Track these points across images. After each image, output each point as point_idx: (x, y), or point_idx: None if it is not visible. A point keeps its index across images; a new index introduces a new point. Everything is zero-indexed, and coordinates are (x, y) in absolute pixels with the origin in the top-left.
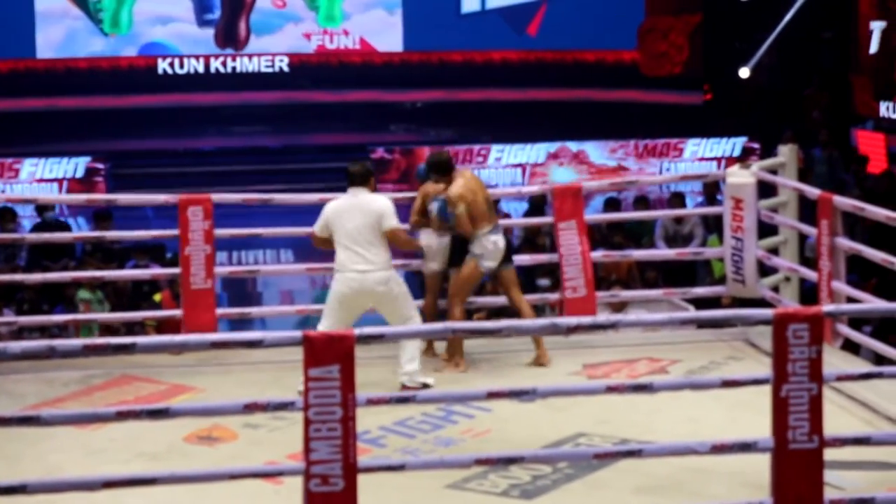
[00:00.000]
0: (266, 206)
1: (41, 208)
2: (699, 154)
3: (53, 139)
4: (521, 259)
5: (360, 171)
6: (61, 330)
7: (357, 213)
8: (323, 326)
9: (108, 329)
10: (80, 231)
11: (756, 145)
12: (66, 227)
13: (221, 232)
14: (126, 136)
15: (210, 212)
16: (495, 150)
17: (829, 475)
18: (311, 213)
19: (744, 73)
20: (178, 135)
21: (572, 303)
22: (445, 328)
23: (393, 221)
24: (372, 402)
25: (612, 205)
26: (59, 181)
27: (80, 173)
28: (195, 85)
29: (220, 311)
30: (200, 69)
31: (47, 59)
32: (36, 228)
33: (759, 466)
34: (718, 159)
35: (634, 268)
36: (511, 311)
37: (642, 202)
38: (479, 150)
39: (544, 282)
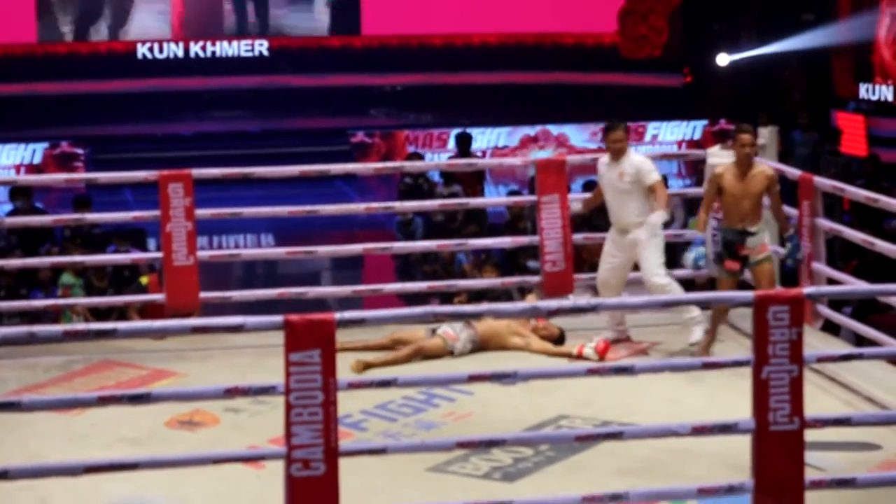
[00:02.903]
0: (246, 188)
1: (13, 195)
2: (660, 138)
3: (32, 124)
4: (503, 241)
5: None
6: (35, 317)
7: None
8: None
9: (94, 314)
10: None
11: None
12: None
13: (202, 212)
14: (106, 122)
15: (191, 188)
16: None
17: (809, 456)
18: (290, 198)
19: (723, 60)
20: (158, 120)
21: (551, 277)
22: (426, 312)
23: None
24: (353, 385)
25: (591, 187)
26: (17, 167)
27: (37, 159)
28: (175, 70)
29: (202, 294)
30: (180, 54)
31: (25, 43)
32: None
33: (740, 448)
34: (679, 142)
35: None
36: (492, 295)
37: None
38: (438, 134)
39: (534, 264)
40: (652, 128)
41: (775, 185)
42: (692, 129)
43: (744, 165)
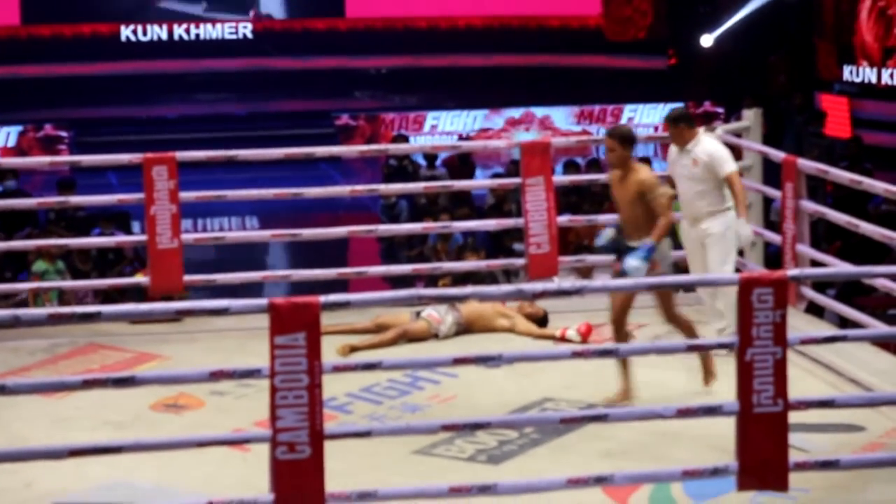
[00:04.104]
0: (230, 171)
1: (2, 175)
2: (637, 120)
3: (16, 107)
4: (488, 224)
5: None
6: (19, 301)
7: None
8: (731, 269)
9: (76, 298)
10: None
11: (720, 109)
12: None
13: (187, 195)
14: (90, 104)
15: (175, 171)
16: (431, 117)
17: (793, 438)
18: (275, 181)
19: (706, 41)
20: (143, 102)
21: (535, 259)
22: (411, 294)
23: None
24: (338, 368)
25: (572, 168)
26: None
27: (11, 142)
28: (159, 52)
29: (186, 277)
30: (164, 36)
31: (9, 26)
32: None
33: (725, 430)
34: (656, 126)
35: None
36: (477, 277)
37: (595, 165)
38: (414, 117)
39: (520, 246)
40: (629, 110)
41: (650, 191)
42: (668, 111)
43: (616, 169)
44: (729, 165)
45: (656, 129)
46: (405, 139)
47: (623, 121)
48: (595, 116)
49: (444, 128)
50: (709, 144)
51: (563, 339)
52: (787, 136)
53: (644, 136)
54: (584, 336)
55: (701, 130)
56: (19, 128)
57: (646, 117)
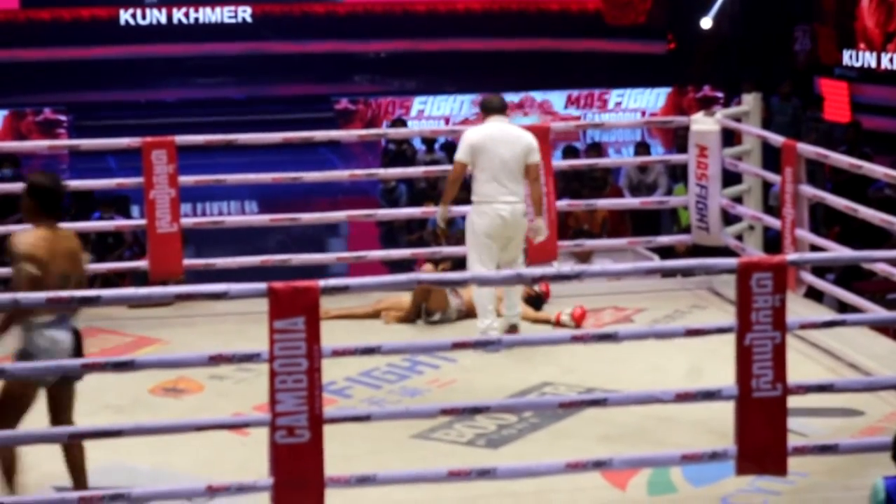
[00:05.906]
0: (229, 155)
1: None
2: (624, 105)
3: (15, 91)
4: None
5: (501, 101)
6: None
7: (506, 145)
8: (477, 262)
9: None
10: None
11: (720, 94)
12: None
13: (186, 179)
14: (89, 88)
15: (174, 155)
16: (418, 101)
17: (792, 422)
18: (274, 165)
19: (706, 23)
20: (142, 86)
21: (534, 245)
22: (411, 279)
23: (538, 157)
24: (337, 353)
25: (570, 154)
26: None
27: None
28: (158, 36)
29: (186, 262)
30: (163, 20)
31: (8, 9)
32: None
33: (724, 414)
34: (643, 111)
35: (608, 222)
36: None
37: (595, 149)
38: (400, 101)
39: None
40: (616, 95)
41: (16, 261)
42: (656, 96)
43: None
44: (457, 153)
45: (643, 113)
46: (403, 123)
47: (610, 106)
48: (583, 102)
49: (431, 112)
50: (469, 130)
51: (557, 323)
52: (772, 121)
53: (640, 122)
54: (578, 320)
55: (490, 119)
56: (4, 112)
57: (633, 102)
